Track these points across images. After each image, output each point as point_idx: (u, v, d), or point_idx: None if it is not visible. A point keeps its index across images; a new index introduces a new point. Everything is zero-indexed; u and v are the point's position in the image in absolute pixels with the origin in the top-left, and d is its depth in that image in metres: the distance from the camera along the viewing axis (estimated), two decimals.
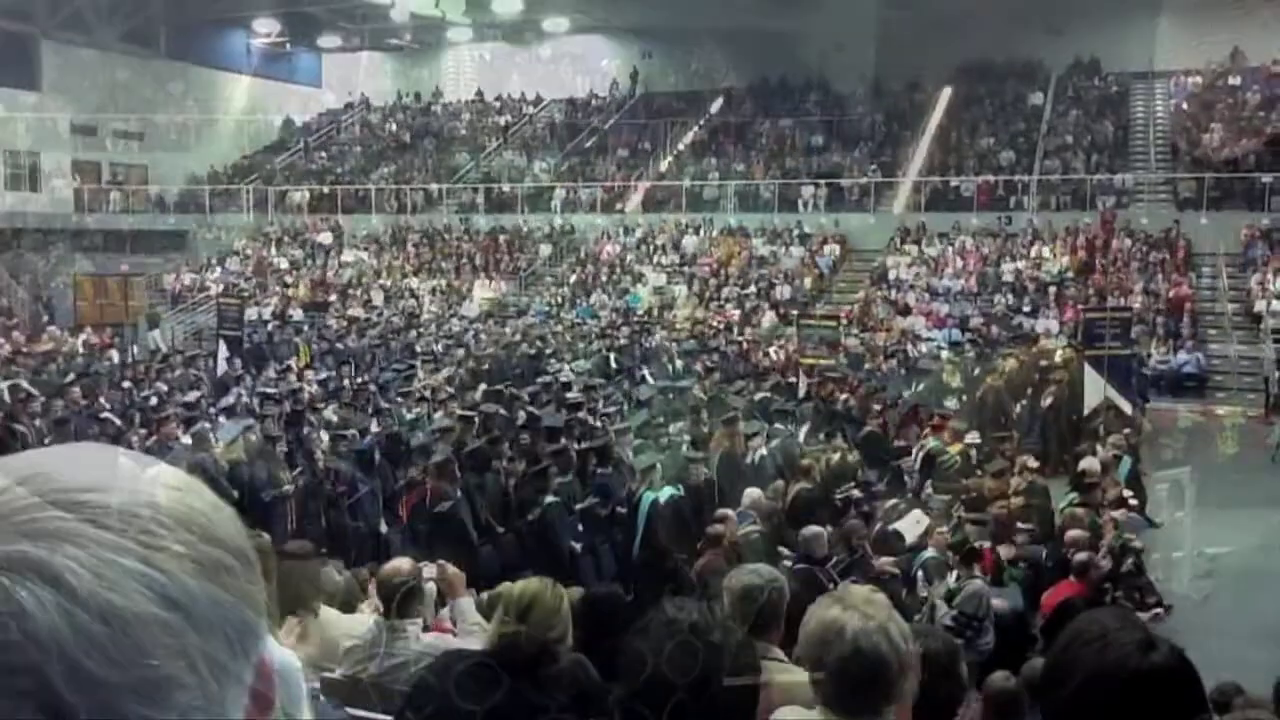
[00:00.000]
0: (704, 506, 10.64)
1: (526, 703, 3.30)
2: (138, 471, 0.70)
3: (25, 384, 15.81)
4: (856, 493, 11.15)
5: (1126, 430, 14.29)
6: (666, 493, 10.26)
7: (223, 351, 19.91)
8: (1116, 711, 1.64)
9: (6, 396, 14.70)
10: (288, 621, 5.08)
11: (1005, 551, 9.56)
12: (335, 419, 13.61)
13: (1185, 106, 31.45)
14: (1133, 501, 11.99)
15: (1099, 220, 27.59)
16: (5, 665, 0.60)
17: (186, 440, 12.16)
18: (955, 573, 8.36)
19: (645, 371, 18.59)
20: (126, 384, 16.45)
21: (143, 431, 12.84)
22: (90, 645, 0.61)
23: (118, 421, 13.73)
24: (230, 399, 14.80)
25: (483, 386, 16.65)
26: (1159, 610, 9.94)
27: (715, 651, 1.80)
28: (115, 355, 22.18)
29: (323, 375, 17.52)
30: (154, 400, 15.24)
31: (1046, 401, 17.00)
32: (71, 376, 16.87)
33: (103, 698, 0.61)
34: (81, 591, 0.62)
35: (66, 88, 34.29)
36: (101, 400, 15.31)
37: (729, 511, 9.37)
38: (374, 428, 13.13)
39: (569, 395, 15.40)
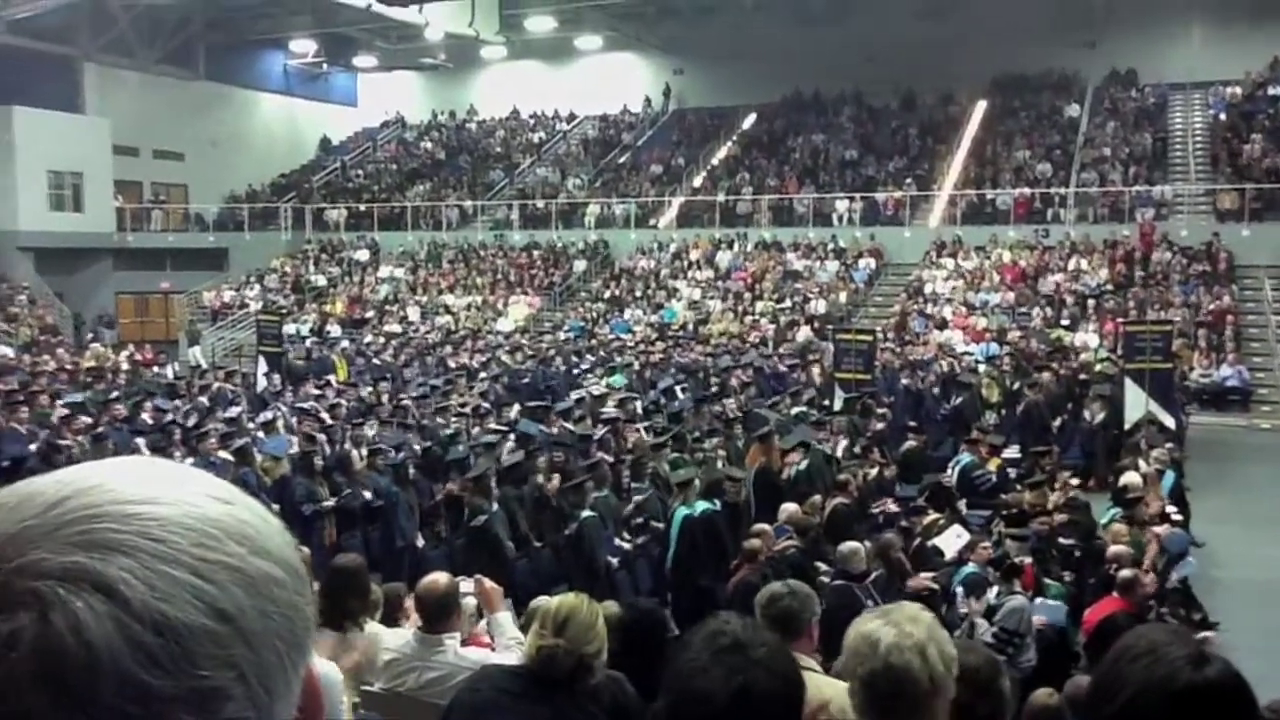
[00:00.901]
0: (740, 521, 10.60)
1: (565, 718, 3.29)
2: (188, 484, 0.71)
3: (80, 397, 16.04)
4: (894, 508, 11.07)
5: (1169, 445, 14.07)
6: (701, 508, 10.22)
7: (261, 367, 20.13)
8: None
9: (55, 416, 14.91)
10: (332, 635, 5.10)
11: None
12: (372, 434, 13.69)
13: (1224, 117, 31.09)
14: (1177, 517, 11.80)
15: (1138, 232, 27.31)
16: (60, 675, 0.61)
17: (226, 455, 12.29)
18: (996, 589, 8.26)
19: (679, 386, 18.55)
20: (169, 400, 16.62)
21: (184, 447, 12.96)
22: (143, 655, 0.62)
23: (154, 438, 13.89)
24: (269, 414, 14.92)
25: (518, 402, 16.70)
26: (1208, 634, 9.77)
27: (757, 664, 1.79)
28: (170, 370, 22.48)
29: (360, 391, 17.63)
30: (195, 417, 15.41)
31: (1088, 415, 16.82)
32: (115, 394, 17.10)
33: (154, 708, 0.62)
34: (135, 602, 0.63)
35: (109, 109, 34.90)
36: (144, 417, 15.49)
37: (765, 526, 9.32)
38: (410, 443, 13.20)
39: (604, 410, 15.42)
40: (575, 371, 20.47)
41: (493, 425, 14.06)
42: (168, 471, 0.73)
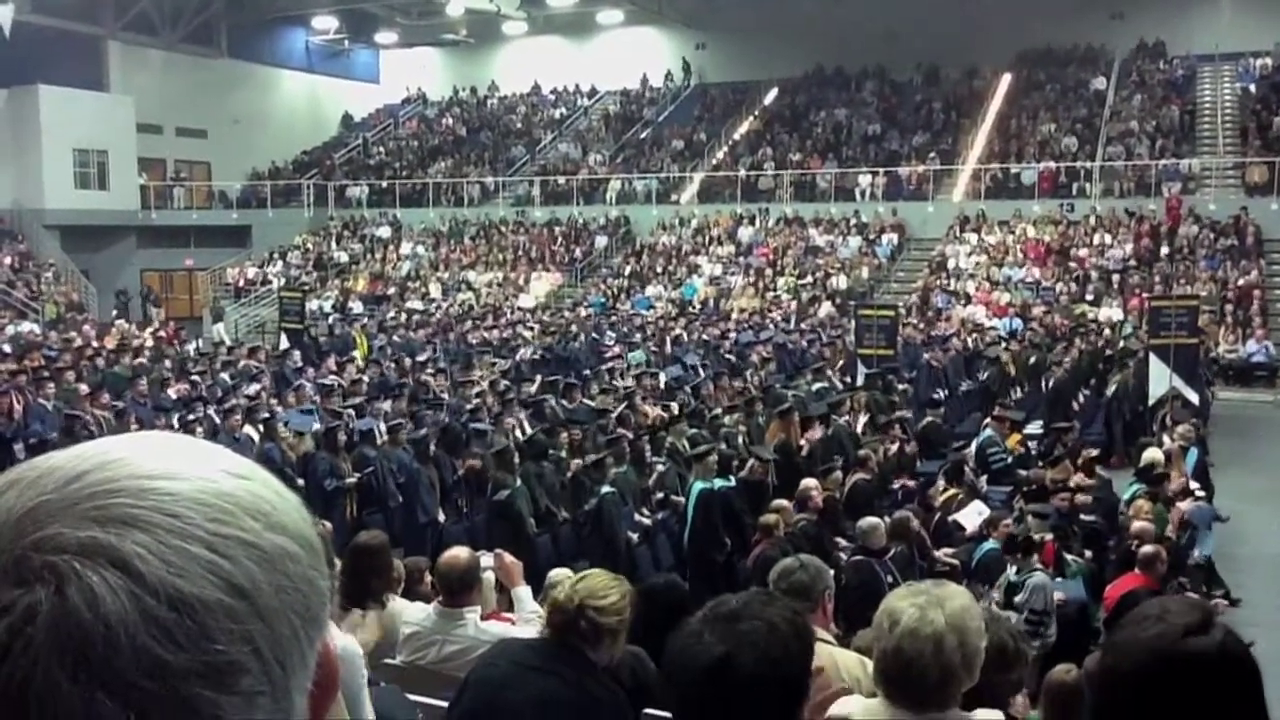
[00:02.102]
0: (759, 497, 10.62)
1: (583, 693, 3.31)
2: (205, 459, 0.72)
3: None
4: (912, 484, 11.06)
5: (1194, 420, 13.97)
6: (719, 483, 10.23)
7: (284, 344, 20.24)
8: (1171, 692, 1.62)
9: (85, 388, 15.07)
10: (355, 613, 5.16)
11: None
12: (394, 410, 13.76)
13: (1254, 89, 30.63)
14: (1200, 494, 11.73)
15: (1164, 206, 27.02)
16: (77, 649, 0.62)
17: (249, 431, 12.39)
18: (1014, 566, 8.24)
19: (700, 363, 18.55)
20: (194, 377, 16.76)
21: (208, 423, 13.07)
22: (158, 630, 0.63)
23: (180, 413, 14.02)
24: (292, 391, 15.03)
25: (539, 377, 16.76)
26: (1222, 601, 9.74)
27: (743, 636, 1.80)
28: (193, 346, 22.64)
29: (382, 366, 17.72)
30: (219, 392, 15.53)
31: (1110, 391, 16.71)
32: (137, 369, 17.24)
33: (169, 682, 0.63)
34: (150, 577, 0.64)
35: (133, 87, 35.02)
36: (169, 392, 15.62)
37: (784, 502, 9.33)
38: (432, 418, 13.27)
39: (624, 385, 15.44)
40: (596, 347, 20.49)
41: (514, 400, 14.09)
42: (185, 446, 0.73)
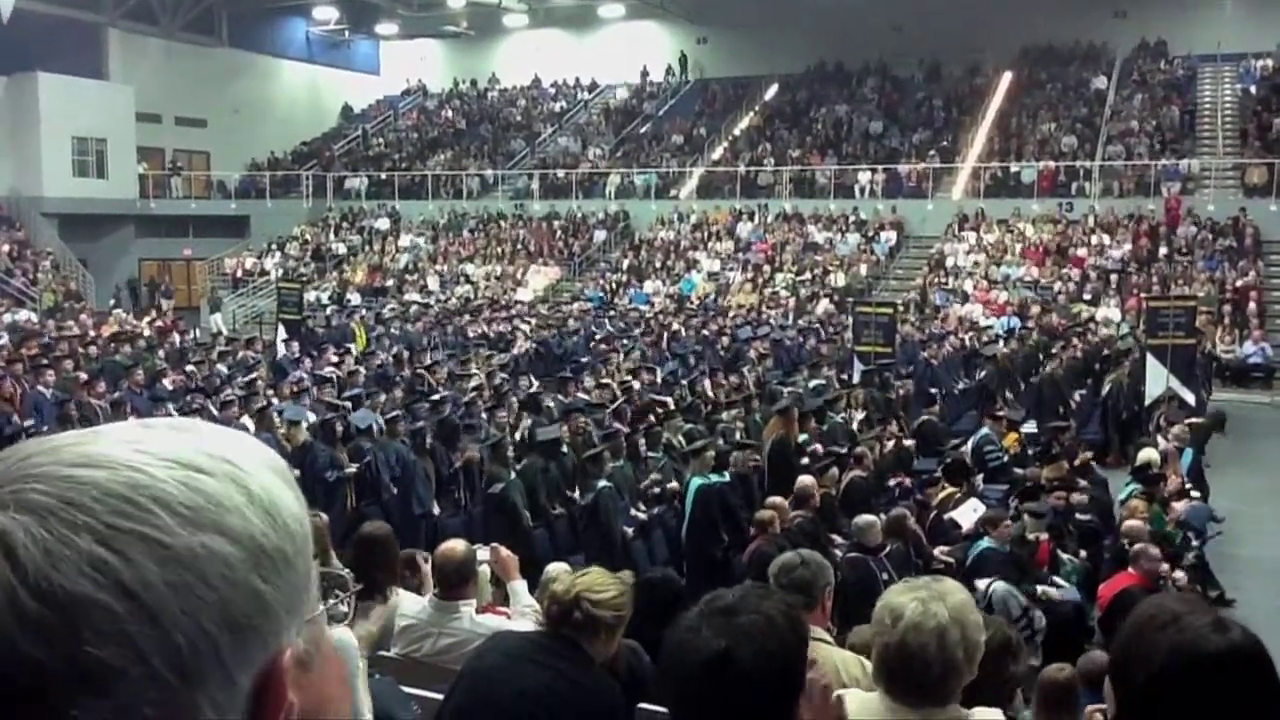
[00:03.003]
0: (755, 493, 10.62)
1: (577, 685, 3.32)
2: (156, 449, 0.68)
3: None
4: (909, 481, 11.07)
5: (1190, 421, 13.99)
6: (715, 478, 10.24)
7: (281, 335, 20.23)
8: (1197, 691, 1.63)
9: (83, 376, 15.06)
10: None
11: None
12: (390, 402, 13.75)
13: (1254, 90, 30.64)
14: (1195, 494, 11.75)
15: (1163, 207, 27.04)
16: None
17: (247, 422, 12.39)
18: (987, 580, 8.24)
19: (697, 357, 18.55)
20: (190, 367, 16.76)
21: (204, 414, 13.06)
22: (25, 624, 0.60)
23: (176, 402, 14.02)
24: (297, 375, 15.04)
25: (531, 375, 16.75)
26: (1213, 595, 9.78)
27: (742, 630, 1.80)
28: (191, 336, 22.64)
29: (379, 359, 17.71)
30: (216, 382, 15.52)
31: (1106, 390, 16.73)
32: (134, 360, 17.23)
33: (41, 680, 0.60)
34: (29, 567, 0.61)
35: (132, 76, 34.97)
36: (164, 383, 15.61)
37: (779, 499, 9.34)
38: (429, 411, 13.26)
39: (622, 380, 15.45)
40: (594, 341, 20.48)
41: (511, 394, 14.09)
42: (161, 435, 0.70)
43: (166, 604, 0.63)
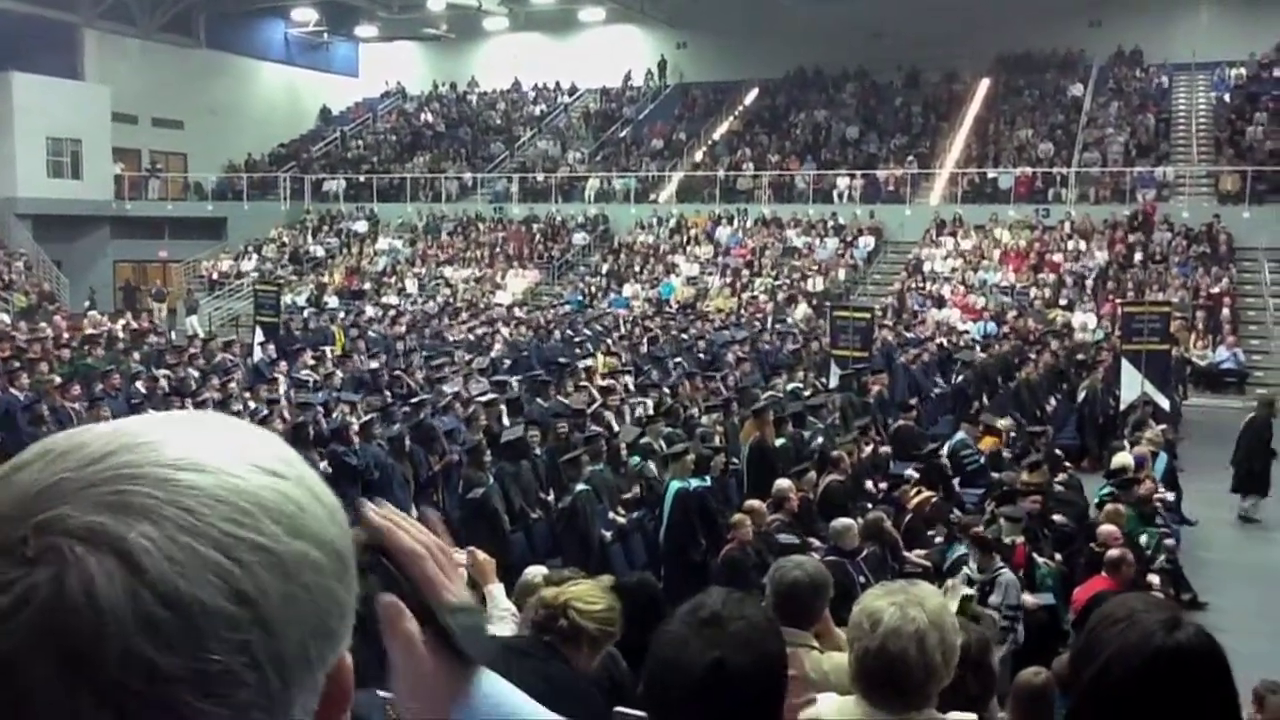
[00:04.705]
0: (733, 497, 10.64)
1: (557, 686, 3.31)
2: (238, 450, 0.68)
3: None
4: (884, 486, 11.11)
5: (1163, 426, 14.11)
6: (694, 482, 10.24)
7: (258, 338, 20.10)
8: (1139, 688, 1.64)
9: (57, 380, 14.92)
10: None
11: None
12: (368, 405, 13.70)
13: (1228, 98, 30.95)
14: (1169, 498, 11.85)
15: (1139, 213, 27.25)
16: (65, 641, 0.59)
17: None
18: (974, 563, 8.29)
19: (676, 361, 18.56)
20: (163, 371, 16.62)
21: None
22: (150, 628, 0.60)
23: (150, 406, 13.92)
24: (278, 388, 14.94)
25: (516, 375, 16.72)
26: (1185, 598, 9.87)
27: (733, 638, 1.80)
28: (171, 335, 22.46)
29: (357, 362, 17.63)
30: (192, 385, 15.41)
31: (1081, 395, 16.84)
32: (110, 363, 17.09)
33: (159, 686, 0.60)
34: (152, 573, 0.61)
35: (109, 76, 34.73)
36: (138, 385, 15.49)
37: (756, 502, 9.35)
38: (406, 415, 13.21)
39: (601, 383, 15.44)
40: (572, 345, 20.46)
41: (490, 397, 14.05)
42: (223, 434, 0.70)
43: (277, 612, 0.64)
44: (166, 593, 0.61)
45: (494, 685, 1.01)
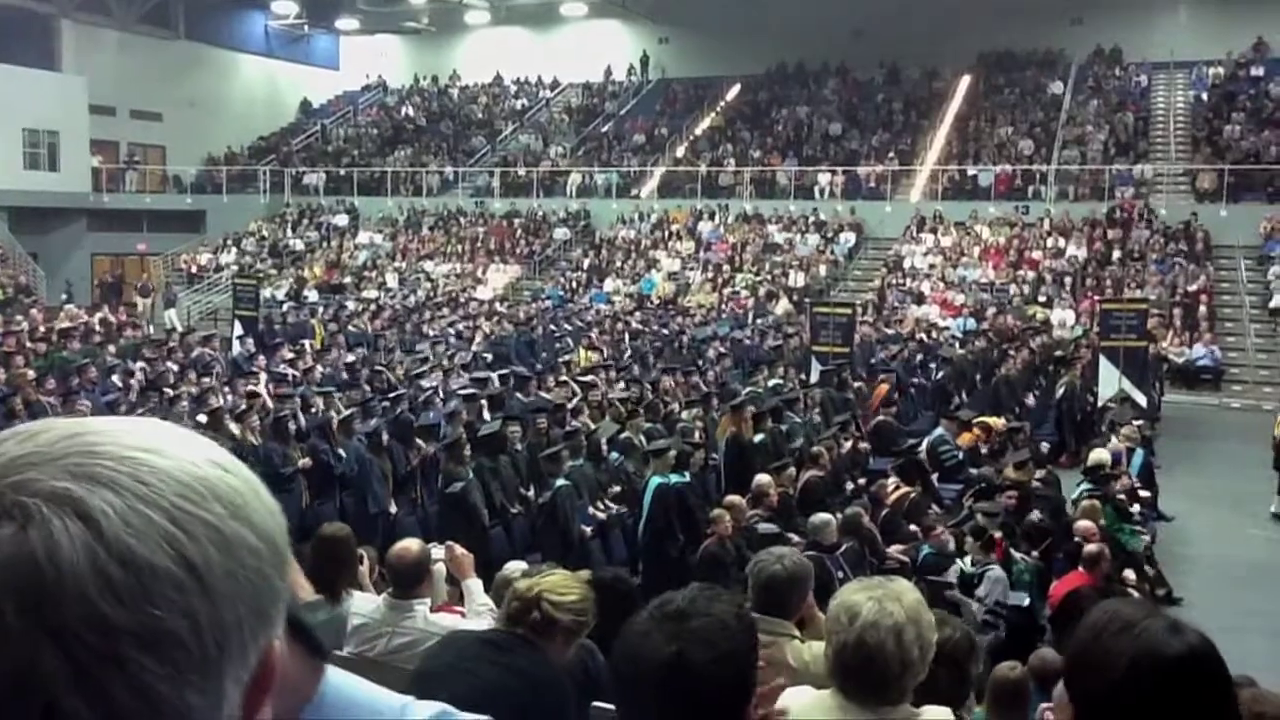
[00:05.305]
0: (711, 492, 10.65)
1: (528, 682, 3.30)
2: (192, 447, 0.75)
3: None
4: (863, 482, 11.15)
5: (1140, 422, 14.21)
6: (675, 478, 10.25)
7: (237, 331, 20.00)
8: (1159, 695, 1.65)
9: (32, 373, 14.79)
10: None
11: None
12: (347, 400, 13.64)
13: (1205, 97, 31.18)
14: (1145, 494, 11.94)
15: (1118, 211, 27.42)
16: (26, 589, 0.65)
17: (202, 419, 12.23)
18: (970, 557, 8.34)
19: (656, 356, 18.56)
20: (140, 364, 16.51)
21: (155, 412, 12.86)
22: (104, 583, 0.66)
23: (131, 398, 13.83)
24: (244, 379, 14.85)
25: (496, 370, 16.67)
26: (1161, 593, 9.95)
27: (694, 634, 1.80)
28: (149, 329, 22.27)
29: (335, 356, 17.55)
30: (169, 379, 15.31)
31: (1059, 392, 16.94)
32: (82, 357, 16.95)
33: (109, 638, 0.65)
34: (109, 534, 0.67)
35: (86, 68, 34.42)
36: (114, 379, 15.38)
37: (736, 498, 9.37)
38: (386, 409, 13.16)
39: (581, 379, 15.42)
40: (553, 340, 20.44)
41: (470, 392, 14.01)
42: (178, 434, 0.77)
43: (220, 584, 0.70)
44: (122, 552, 0.67)
45: (343, 681, 1.00)
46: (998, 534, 9.10)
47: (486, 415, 13.08)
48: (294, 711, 0.93)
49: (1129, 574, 9.40)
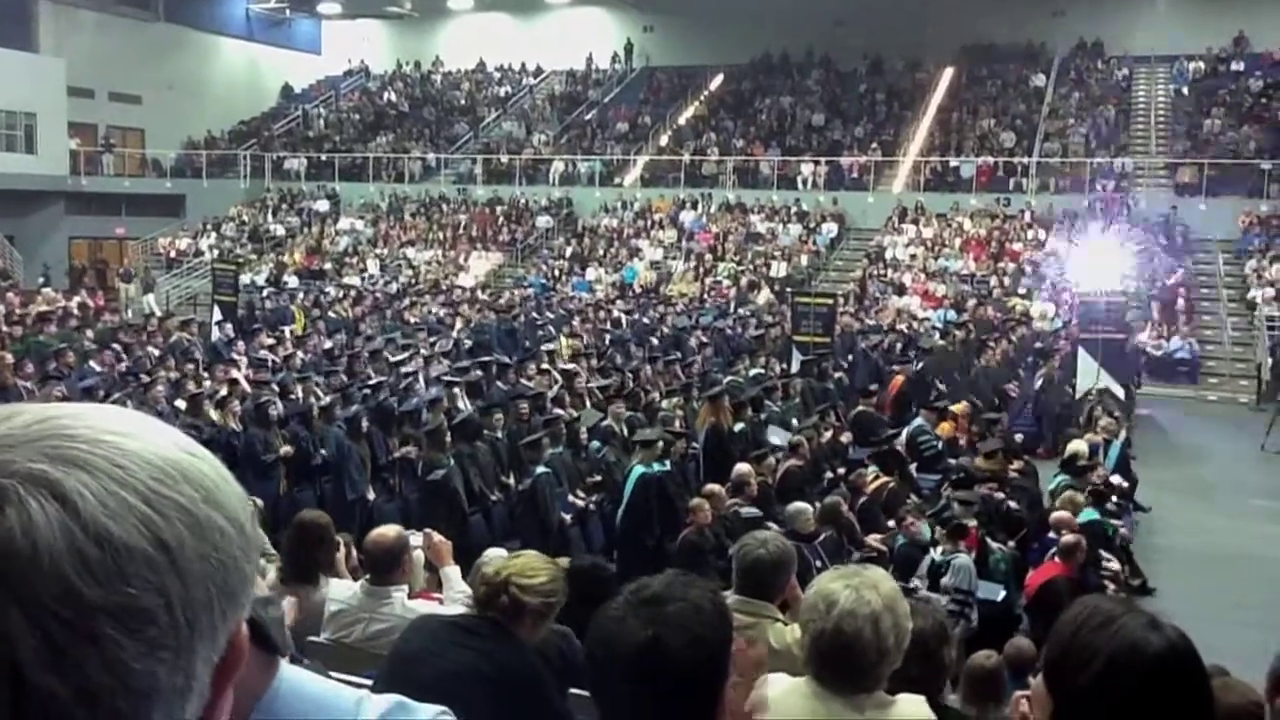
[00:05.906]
0: (691, 481, 10.67)
1: (499, 666, 3.31)
2: (162, 434, 0.77)
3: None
4: (843, 471, 11.19)
5: (1117, 414, 14.31)
6: (656, 467, 10.26)
7: (216, 317, 19.88)
8: (1139, 690, 1.67)
9: (10, 357, 14.63)
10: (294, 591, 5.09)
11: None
12: (327, 386, 13.58)
13: (1186, 91, 31.35)
14: (1122, 484, 12.03)
15: (1097, 203, 27.55)
16: (4, 558, 0.67)
17: (180, 404, 12.16)
18: (941, 547, 8.39)
19: (638, 344, 18.54)
20: (115, 347, 16.37)
21: (132, 397, 12.77)
22: (80, 563, 0.67)
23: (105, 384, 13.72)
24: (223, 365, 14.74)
25: (476, 357, 16.62)
26: (1135, 583, 10.04)
27: (669, 618, 1.80)
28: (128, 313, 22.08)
29: (315, 342, 17.47)
30: (147, 364, 15.20)
31: (1038, 384, 17.04)
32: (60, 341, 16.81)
33: (84, 615, 0.67)
34: (85, 514, 0.69)
35: (64, 49, 34.06)
36: (91, 364, 15.25)
37: (715, 486, 9.39)
38: (366, 396, 13.11)
39: (562, 366, 15.40)
40: (535, 328, 20.39)
41: (449, 379, 13.97)
42: (146, 420, 0.78)
43: (191, 565, 0.72)
44: (98, 532, 0.68)
45: (296, 676, 1.00)
46: (972, 523, 9.16)
47: (462, 404, 13.04)
48: (247, 707, 0.92)
49: (1112, 563, 9.48)
